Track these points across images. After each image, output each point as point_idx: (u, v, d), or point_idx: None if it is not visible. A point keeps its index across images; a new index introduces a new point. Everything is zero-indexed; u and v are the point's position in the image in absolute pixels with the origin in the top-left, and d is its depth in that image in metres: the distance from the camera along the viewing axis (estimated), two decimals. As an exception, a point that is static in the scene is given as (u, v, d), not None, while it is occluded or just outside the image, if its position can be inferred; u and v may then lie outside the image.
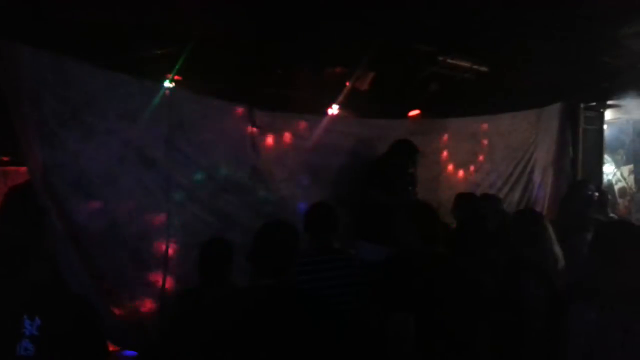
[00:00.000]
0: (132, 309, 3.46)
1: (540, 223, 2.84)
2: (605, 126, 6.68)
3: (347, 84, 5.73)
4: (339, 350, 2.02)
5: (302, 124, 4.54)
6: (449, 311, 2.32)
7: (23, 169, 4.69)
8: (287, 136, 4.42)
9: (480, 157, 5.47)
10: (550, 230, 2.80)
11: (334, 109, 5.93)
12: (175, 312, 2.91)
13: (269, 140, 4.31)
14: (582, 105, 6.11)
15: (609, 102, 6.51)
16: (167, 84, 4.40)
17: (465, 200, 4.39)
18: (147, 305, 3.49)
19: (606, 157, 7.98)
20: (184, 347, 2.23)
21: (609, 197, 5.43)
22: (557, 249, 2.79)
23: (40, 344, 1.81)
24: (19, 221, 3.09)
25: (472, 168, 5.42)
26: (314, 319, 2.05)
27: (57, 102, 3.25)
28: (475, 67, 5.32)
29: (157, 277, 3.59)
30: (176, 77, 4.66)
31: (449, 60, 5.18)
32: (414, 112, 6.41)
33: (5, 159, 5.28)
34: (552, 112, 5.97)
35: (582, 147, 6.11)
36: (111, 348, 2.89)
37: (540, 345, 2.29)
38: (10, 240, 2.02)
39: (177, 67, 4.48)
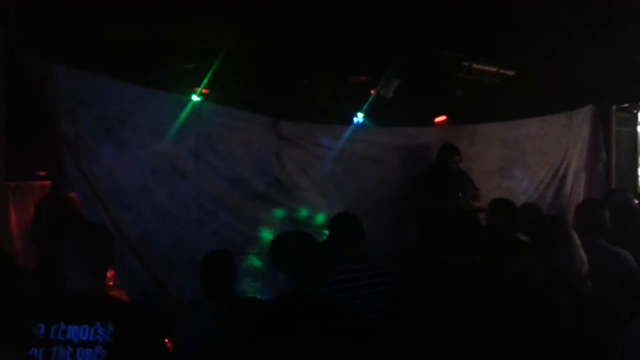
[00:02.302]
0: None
1: (565, 229, 2.76)
2: (639, 127, 6.49)
3: (373, 92, 5.75)
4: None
5: (327, 134, 4.57)
6: (474, 326, 2.28)
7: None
8: (312, 146, 4.45)
9: (510, 163, 5.37)
10: (575, 235, 2.73)
11: (359, 118, 5.96)
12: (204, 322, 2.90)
13: (294, 150, 4.35)
14: (614, 107, 5.95)
15: (642, 103, 6.33)
16: (195, 97, 4.51)
17: (498, 208, 4.30)
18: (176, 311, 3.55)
19: (641, 159, 7.75)
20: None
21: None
22: (582, 254, 2.71)
23: (112, 350, 1.88)
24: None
25: (504, 174, 5.33)
26: (351, 328, 2.06)
27: (92, 119, 3.41)
28: (502, 71, 5.26)
29: (187, 285, 3.66)
30: (204, 91, 4.77)
31: (474, 66, 5.14)
32: (440, 119, 6.38)
33: (41, 173, 5.49)
34: (584, 115, 5.82)
35: (615, 149, 5.94)
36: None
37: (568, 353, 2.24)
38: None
39: (204, 80, 4.58)
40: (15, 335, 1.92)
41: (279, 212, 4.21)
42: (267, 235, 4.05)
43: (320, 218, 4.33)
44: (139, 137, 3.57)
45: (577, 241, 2.66)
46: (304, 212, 4.31)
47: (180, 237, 3.71)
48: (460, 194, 4.66)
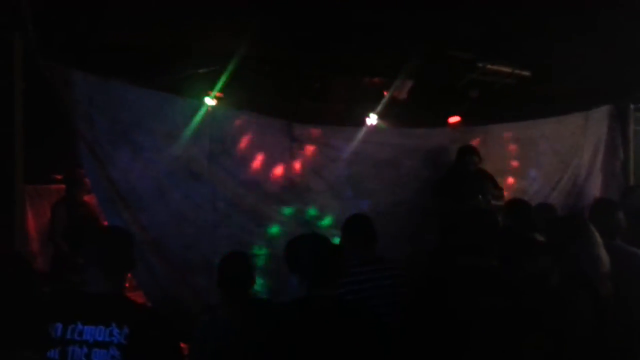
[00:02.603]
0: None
1: (587, 228, 2.73)
2: (658, 127, 6.38)
3: (386, 93, 5.73)
4: None
5: (340, 136, 4.57)
6: (483, 329, 2.26)
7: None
8: (325, 148, 4.46)
9: (524, 163, 5.32)
10: (597, 234, 2.69)
11: (372, 119, 5.95)
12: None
13: (307, 152, 4.37)
14: (632, 106, 5.86)
15: (660, 102, 6.22)
16: (208, 100, 4.55)
17: (513, 208, 4.26)
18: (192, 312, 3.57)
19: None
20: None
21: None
22: (604, 254, 2.68)
23: (127, 352, 1.90)
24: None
25: (518, 175, 5.28)
26: (366, 330, 2.07)
27: (108, 123, 3.46)
28: (516, 72, 5.20)
29: (203, 286, 3.68)
30: (217, 94, 4.80)
31: (489, 66, 5.09)
32: (454, 119, 6.34)
33: (58, 177, 5.58)
34: (601, 115, 5.74)
35: (633, 149, 5.85)
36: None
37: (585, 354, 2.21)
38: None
39: (218, 84, 4.61)
40: (34, 336, 1.95)
41: (288, 210, 4.21)
42: (275, 231, 4.06)
43: (327, 220, 4.32)
44: (154, 141, 3.61)
45: (599, 240, 2.63)
46: (312, 212, 4.30)
47: (196, 239, 3.75)
48: (480, 195, 4.63)
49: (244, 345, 2.19)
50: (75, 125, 3.35)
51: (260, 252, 3.99)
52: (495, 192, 4.80)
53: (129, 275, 3.92)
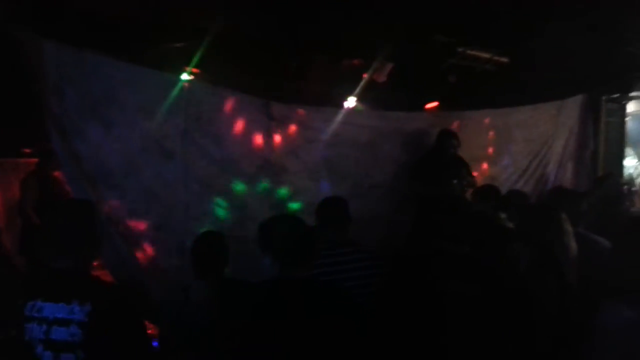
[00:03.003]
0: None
1: (559, 217, 2.80)
2: (627, 118, 6.54)
3: (365, 76, 5.71)
4: (363, 342, 2.06)
5: (319, 117, 4.54)
6: (461, 312, 2.31)
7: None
8: (303, 129, 4.43)
9: (498, 150, 5.40)
10: (567, 223, 2.77)
11: (351, 102, 5.93)
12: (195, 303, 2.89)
13: (285, 132, 4.32)
14: (604, 98, 5.98)
15: (632, 94, 6.36)
16: (185, 76, 4.45)
17: (484, 194, 4.35)
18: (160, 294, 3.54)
19: (628, 150, 7.83)
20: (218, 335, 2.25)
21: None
22: (573, 243, 2.76)
23: (88, 330, 1.85)
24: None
25: (491, 161, 5.36)
26: (339, 309, 2.09)
27: (78, 96, 3.33)
28: (495, 58, 5.25)
29: (175, 267, 3.64)
30: (194, 70, 4.70)
31: (468, 52, 5.12)
32: (432, 104, 6.37)
33: (27, 151, 5.43)
34: (574, 104, 5.85)
35: (603, 140, 5.99)
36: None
37: (551, 339, 2.28)
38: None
39: (195, 60, 4.51)
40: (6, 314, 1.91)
41: (261, 187, 4.16)
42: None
43: (297, 204, 4.30)
44: (127, 116, 3.50)
45: (570, 229, 2.71)
46: (282, 192, 4.27)
47: (166, 219, 3.67)
48: (455, 180, 4.68)
49: (218, 326, 2.19)
50: (45, 97, 3.22)
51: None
52: (470, 179, 4.87)
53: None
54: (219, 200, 3.96)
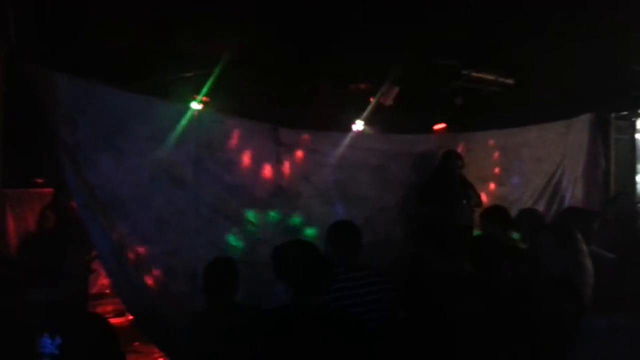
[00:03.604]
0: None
1: (574, 237, 2.77)
2: (638, 135, 6.50)
3: (372, 99, 5.76)
4: None
5: (327, 141, 4.57)
6: (464, 337, 2.28)
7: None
8: (311, 153, 4.46)
9: (506, 170, 5.37)
10: (582, 243, 2.74)
11: (359, 125, 5.97)
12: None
13: (294, 157, 4.36)
14: (613, 115, 5.95)
15: (641, 111, 6.35)
16: (194, 105, 4.51)
17: (491, 216, 4.31)
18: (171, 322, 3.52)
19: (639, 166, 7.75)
20: None
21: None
22: (589, 263, 2.72)
23: None
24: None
25: (499, 181, 5.33)
26: (354, 336, 2.07)
27: (90, 127, 3.39)
28: (501, 79, 5.28)
29: (186, 293, 3.64)
30: (203, 99, 4.77)
31: (473, 74, 5.15)
32: (439, 126, 6.39)
33: (39, 181, 5.49)
34: (582, 123, 5.81)
35: (614, 157, 5.94)
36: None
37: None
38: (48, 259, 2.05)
39: (204, 88, 4.58)
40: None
41: (273, 216, 4.18)
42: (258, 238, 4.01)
43: (312, 230, 4.30)
44: (137, 146, 3.55)
45: (585, 249, 2.68)
46: (296, 220, 4.28)
47: (178, 246, 3.69)
48: (464, 201, 4.67)
49: (230, 353, 2.17)
50: (57, 128, 3.28)
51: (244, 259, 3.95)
52: (475, 199, 4.84)
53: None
54: (231, 226, 3.97)
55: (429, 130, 6.20)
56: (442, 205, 4.50)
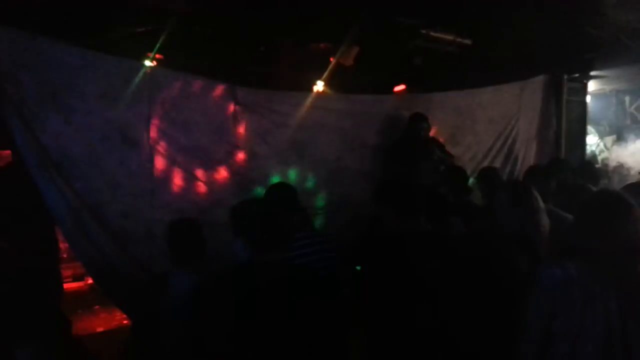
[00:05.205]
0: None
1: (530, 194, 2.85)
2: (588, 97, 6.73)
3: (332, 59, 5.70)
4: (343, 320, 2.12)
5: (286, 101, 4.51)
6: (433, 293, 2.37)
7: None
8: (271, 114, 4.39)
9: (462, 131, 5.48)
10: (539, 199, 2.83)
11: (318, 86, 5.92)
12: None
13: (251, 117, 4.28)
14: (565, 77, 6.13)
15: (593, 74, 6.55)
16: (147, 62, 4.36)
17: (452, 175, 4.42)
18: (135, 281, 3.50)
19: (590, 128, 8.08)
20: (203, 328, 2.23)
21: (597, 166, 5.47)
22: (545, 220, 2.82)
23: None
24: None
25: (454, 142, 5.43)
26: (316, 289, 2.11)
27: (36, 84, 3.23)
28: (458, 40, 5.30)
29: (145, 255, 3.61)
30: (157, 56, 4.61)
31: (432, 34, 5.16)
32: (399, 87, 6.42)
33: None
34: (536, 84, 5.98)
35: (565, 118, 6.15)
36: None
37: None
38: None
39: (157, 45, 4.42)
40: None
41: (238, 179, 4.14)
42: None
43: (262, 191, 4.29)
44: (86, 104, 3.42)
45: (542, 206, 2.77)
46: (250, 180, 4.24)
47: (133, 208, 3.62)
48: (429, 161, 4.77)
49: (199, 311, 2.16)
50: (2, 86, 3.12)
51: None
52: (445, 157, 4.95)
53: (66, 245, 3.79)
54: (187, 188, 3.92)
55: (390, 91, 6.21)
56: (410, 165, 4.58)
